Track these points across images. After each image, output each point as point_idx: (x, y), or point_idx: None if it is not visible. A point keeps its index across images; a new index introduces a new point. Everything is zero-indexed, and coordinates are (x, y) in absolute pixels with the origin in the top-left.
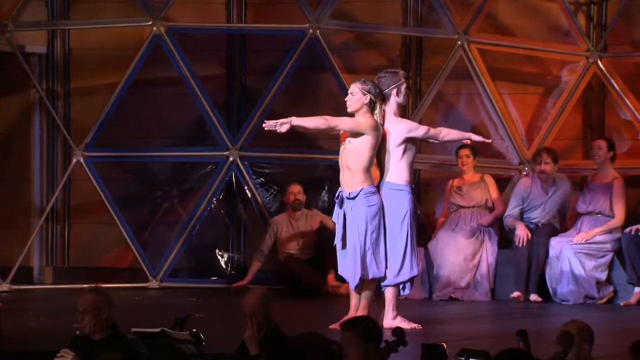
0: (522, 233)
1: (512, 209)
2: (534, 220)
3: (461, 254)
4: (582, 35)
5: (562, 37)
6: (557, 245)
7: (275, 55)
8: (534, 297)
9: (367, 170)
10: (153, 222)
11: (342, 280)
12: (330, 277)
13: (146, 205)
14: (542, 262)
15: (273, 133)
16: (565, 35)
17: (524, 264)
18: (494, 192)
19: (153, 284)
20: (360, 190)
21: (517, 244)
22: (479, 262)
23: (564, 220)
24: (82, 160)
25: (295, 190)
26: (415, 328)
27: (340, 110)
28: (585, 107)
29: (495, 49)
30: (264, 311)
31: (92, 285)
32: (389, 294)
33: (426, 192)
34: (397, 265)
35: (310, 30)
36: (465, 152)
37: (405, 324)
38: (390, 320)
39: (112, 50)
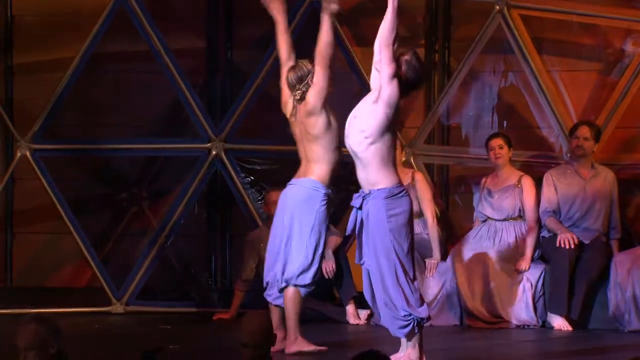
0: (566, 234)
1: (548, 203)
2: (581, 226)
3: (486, 281)
4: None
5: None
6: (622, 264)
7: (268, 24)
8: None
9: None
10: (117, 231)
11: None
12: (351, 310)
13: (108, 211)
14: (591, 284)
15: (265, 121)
16: None
17: (564, 282)
18: (528, 201)
19: (117, 308)
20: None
21: (559, 244)
22: (520, 281)
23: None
24: (28, 154)
25: (277, 199)
26: None
27: (350, 90)
28: None
29: (543, 15)
30: (265, 343)
31: (33, 312)
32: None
33: (455, 194)
34: None
35: None
36: (497, 141)
37: None
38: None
39: (65, 18)
